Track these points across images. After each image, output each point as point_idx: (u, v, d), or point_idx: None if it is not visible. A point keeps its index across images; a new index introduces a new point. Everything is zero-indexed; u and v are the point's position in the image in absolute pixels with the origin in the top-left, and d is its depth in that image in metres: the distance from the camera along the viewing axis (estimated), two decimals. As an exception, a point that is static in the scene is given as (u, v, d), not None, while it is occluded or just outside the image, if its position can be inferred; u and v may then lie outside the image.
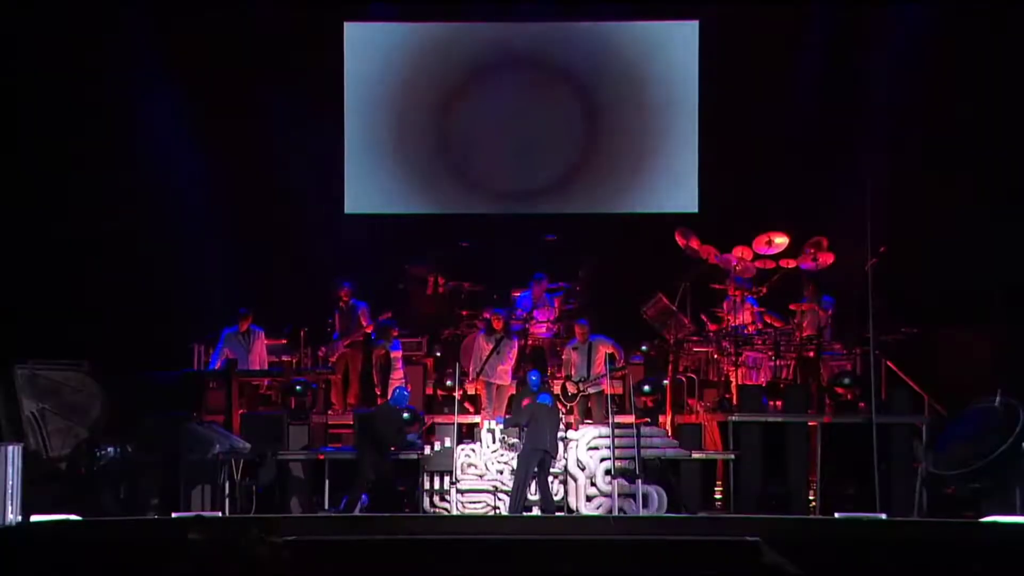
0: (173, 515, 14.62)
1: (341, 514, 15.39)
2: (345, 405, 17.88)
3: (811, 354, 17.34)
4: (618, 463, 15.59)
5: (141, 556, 12.51)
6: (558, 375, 17.99)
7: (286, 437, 16.37)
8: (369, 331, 17.87)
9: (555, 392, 16.81)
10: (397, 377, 17.43)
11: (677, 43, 19.63)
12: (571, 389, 16.98)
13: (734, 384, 17.16)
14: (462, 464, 15.69)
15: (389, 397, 16.49)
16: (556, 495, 15.47)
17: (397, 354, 17.63)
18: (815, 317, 17.64)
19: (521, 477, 15.22)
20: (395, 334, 17.63)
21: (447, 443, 15.66)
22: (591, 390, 16.99)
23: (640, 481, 15.36)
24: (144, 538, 13.36)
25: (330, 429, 17.20)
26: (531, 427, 15.30)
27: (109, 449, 15.49)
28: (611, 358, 16.69)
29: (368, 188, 19.86)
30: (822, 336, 17.38)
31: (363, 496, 15.64)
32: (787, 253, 18.26)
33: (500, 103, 19.77)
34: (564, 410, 17.13)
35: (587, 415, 17.02)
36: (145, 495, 15.53)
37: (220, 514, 14.90)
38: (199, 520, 12.65)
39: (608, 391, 16.40)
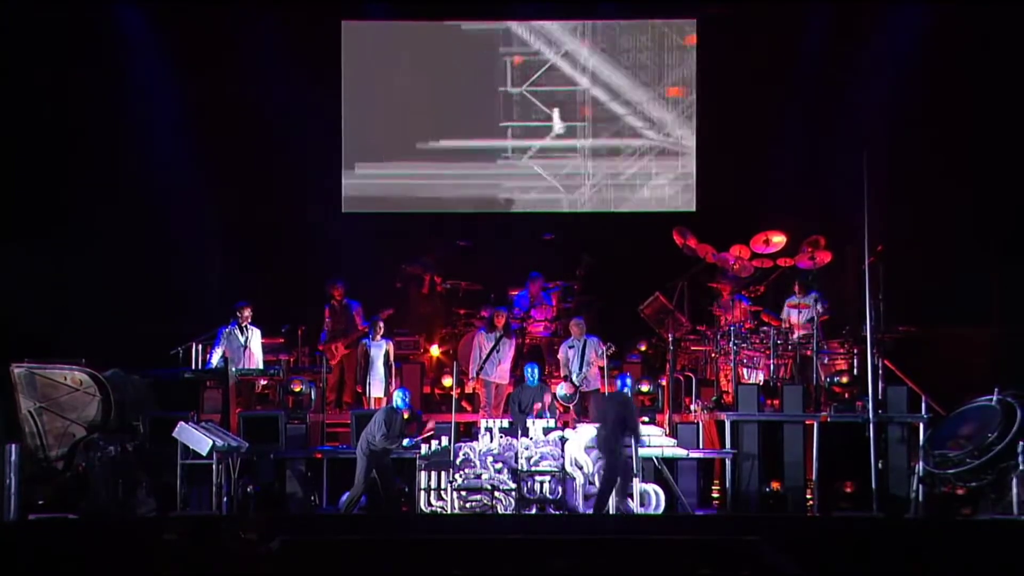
0: (170, 514, 14.64)
1: (339, 513, 15.39)
2: (341, 404, 17.93)
3: (808, 353, 17.34)
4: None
5: (139, 555, 12.51)
6: (556, 374, 18.00)
7: (283, 436, 16.37)
8: (365, 330, 17.89)
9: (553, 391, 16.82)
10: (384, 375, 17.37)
11: (675, 41, 19.63)
12: (568, 389, 16.97)
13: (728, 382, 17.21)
14: (460, 463, 15.66)
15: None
16: (554, 494, 15.44)
17: (381, 351, 17.48)
18: (812, 315, 17.63)
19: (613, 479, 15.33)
20: (381, 330, 17.53)
21: (444, 442, 15.64)
22: (587, 388, 17.00)
23: (638, 480, 15.35)
24: (142, 538, 13.34)
25: (327, 428, 17.18)
26: (604, 426, 15.39)
27: (110, 448, 15.46)
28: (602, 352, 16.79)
29: (365, 187, 19.85)
30: (818, 333, 17.36)
31: (361, 496, 15.61)
32: (785, 252, 18.28)
33: (498, 101, 19.76)
34: (561, 409, 17.15)
35: (584, 413, 17.01)
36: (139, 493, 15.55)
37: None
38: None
39: (605, 390, 16.40)
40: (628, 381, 15.98)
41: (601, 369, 16.70)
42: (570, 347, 17.23)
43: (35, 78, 18.18)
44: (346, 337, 18.02)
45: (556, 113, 19.75)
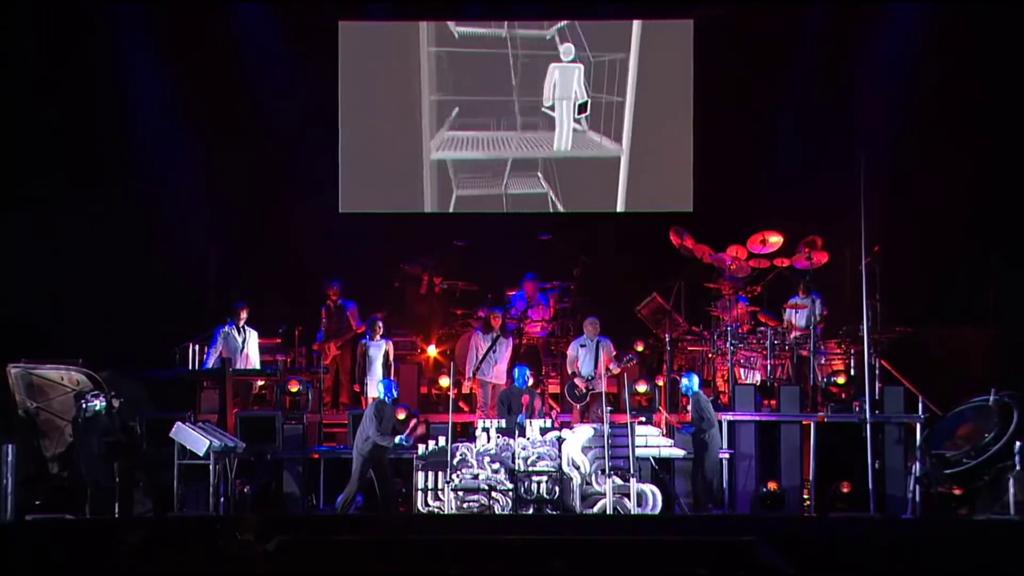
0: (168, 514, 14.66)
1: (336, 514, 15.39)
2: (337, 404, 17.92)
3: (805, 353, 17.36)
4: (612, 462, 15.56)
5: (134, 555, 12.51)
6: (552, 374, 17.98)
7: (280, 436, 16.37)
8: (360, 331, 17.89)
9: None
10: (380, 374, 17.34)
11: (672, 42, 19.63)
12: (581, 387, 16.94)
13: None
14: (457, 463, 15.65)
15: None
16: (551, 495, 15.43)
17: (380, 351, 17.45)
18: (810, 316, 17.64)
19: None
20: (380, 330, 17.51)
21: (441, 442, 15.64)
22: (594, 390, 16.98)
23: (635, 480, 15.35)
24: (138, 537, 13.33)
25: (324, 428, 17.18)
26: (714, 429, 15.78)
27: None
28: (617, 357, 16.80)
29: (362, 187, 19.85)
30: (816, 334, 17.37)
31: (358, 496, 15.61)
32: (781, 252, 18.28)
33: (495, 101, 19.76)
34: (559, 410, 17.15)
35: (585, 412, 17.00)
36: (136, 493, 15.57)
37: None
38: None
39: (621, 391, 16.42)
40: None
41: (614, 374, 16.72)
42: (581, 345, 17.18)
43: (35, 78, 18.18)
44: (339, 337, 18.04)
45: (557, 112, 19.74)
